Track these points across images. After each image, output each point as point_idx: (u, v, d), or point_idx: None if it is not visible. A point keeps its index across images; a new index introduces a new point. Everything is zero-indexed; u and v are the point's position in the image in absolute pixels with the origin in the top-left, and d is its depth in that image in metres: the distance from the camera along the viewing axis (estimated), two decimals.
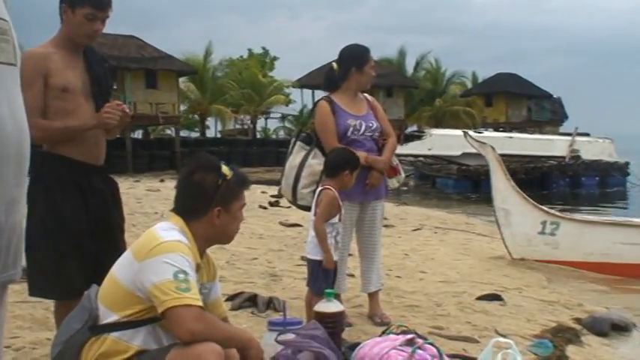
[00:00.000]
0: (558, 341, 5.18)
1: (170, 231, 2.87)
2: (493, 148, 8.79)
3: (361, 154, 5.07)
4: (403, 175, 5.61)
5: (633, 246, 8.56)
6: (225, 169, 2.99)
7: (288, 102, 58.70)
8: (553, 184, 30.29)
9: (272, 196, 15.09)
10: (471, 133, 10.14)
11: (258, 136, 55.96)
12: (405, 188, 30.30)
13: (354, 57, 5.40)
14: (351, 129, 5.24)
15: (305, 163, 5.17)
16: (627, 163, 32.20)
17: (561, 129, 55.57)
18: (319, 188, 4.79)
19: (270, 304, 5.54)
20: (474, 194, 25.92)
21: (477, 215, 15.96)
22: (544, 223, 8.71)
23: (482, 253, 9.49)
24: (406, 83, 54.08)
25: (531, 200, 8.83)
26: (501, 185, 8.79)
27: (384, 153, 5.34)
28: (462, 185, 28.72)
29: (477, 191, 25.83)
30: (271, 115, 59.40)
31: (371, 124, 5.34)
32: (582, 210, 19.98)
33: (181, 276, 2.71)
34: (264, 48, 66.60)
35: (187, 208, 2.98)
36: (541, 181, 29.93)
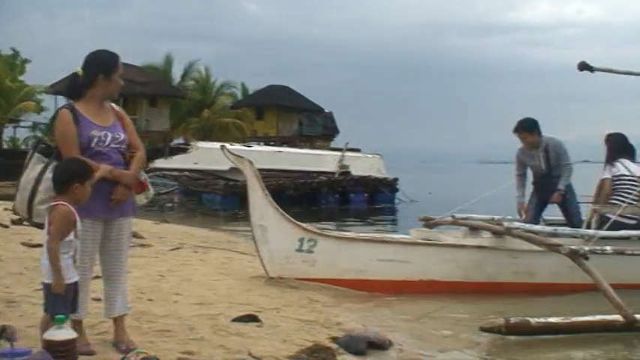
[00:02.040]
0: None
1: None
2: (251, 162, 8.92)
3: (106, 168, 5.03)
4: (152, 190, 5.61)
5: (390, 262, 9.01)
6: None
7: (40, 109, 56.40)
8: (322, 200, 31.40)
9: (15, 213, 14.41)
10: (228, 146, 10.27)
11: (5, 146, 53.41)
12: (170, 205, 30.17)
13: (101, 63, 5.33)
14: (95, 140, 5.16)
15: (42, 176, 5.02)
16: (396, 180, 33.99)
17: (332, 144, 57.71)
18: (51, 204, 4.69)
19: (3, 333, 5.31)
20: (241, 211, 26.24)
21: (241, 232, 16.16)
22: (302, 240, 8.89)
23: (243, 272, 9.62)
24: (172, 92, 53.93)
25: (289, 216, 9.04)
26: (259, 201, 8.92)
27: (132, 167, 5.30)
28: (230, 201, 28.96)
29: (245, 207, 26.21)
30: (21, 124, 56.94)
31: (117, 136, 5.28)
32: (351, 226, 20.90)
33: None
34: (13, 49, 63.36)
35: None
36: (310, 197, 30.94)
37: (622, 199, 9.67)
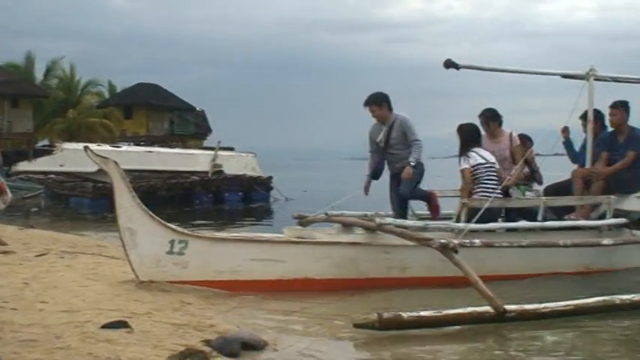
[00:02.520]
0: None
1: None
2: (116, 163, 8.79)
3: None
4: (11, 195, 5.50)
5: (264, 262, 9.04)
6: None
7: None
8: (196, 201, 31.29)
9: None
10: (94, 147, 10.10)
11: None
12: (35, 209, 29.34)
13: None
14: None
15: None
16: (270, 178, 34.13)
17: (205, 143, 57.42)
18: None
19: None
20: (111, 214, 25.75)
21: (111, 236, 15.90)
22: (172, 242, 8.80)
23: (112, 277, 9.46)
24: (35, 92, 52.53)
25: (158, 218, 8.92)
26: (126, 203, 8.80)
27: None
28: (99, 204, 28.33)
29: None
30: None
31: None
32: (226, 226, 20.87)
33: None
34: None
35: None
36: (184, 197, 30.78)
37: (485, 187, 10.00)
